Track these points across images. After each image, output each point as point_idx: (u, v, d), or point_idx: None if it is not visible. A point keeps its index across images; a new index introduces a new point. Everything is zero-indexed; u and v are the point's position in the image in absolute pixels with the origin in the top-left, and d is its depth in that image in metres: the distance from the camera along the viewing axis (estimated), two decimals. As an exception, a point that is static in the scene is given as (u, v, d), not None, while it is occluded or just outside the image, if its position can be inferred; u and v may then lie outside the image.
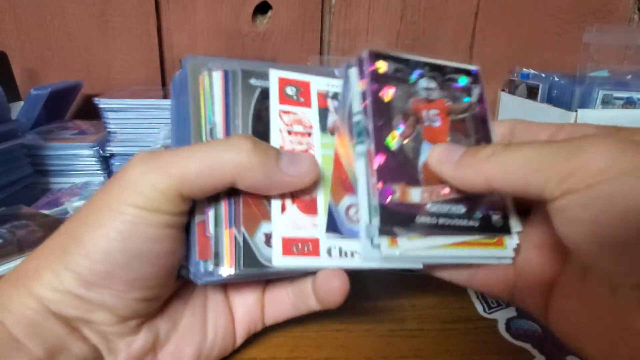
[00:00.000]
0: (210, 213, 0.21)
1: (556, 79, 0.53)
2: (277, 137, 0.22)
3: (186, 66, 0.22)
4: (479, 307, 0.30)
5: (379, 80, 0.23)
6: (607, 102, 0.49)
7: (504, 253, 0.23)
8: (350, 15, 0.71)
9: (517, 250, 0.23)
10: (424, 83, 0.24)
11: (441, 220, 0.22)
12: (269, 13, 0.70)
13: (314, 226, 0.22)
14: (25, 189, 0.44)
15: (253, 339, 0.27)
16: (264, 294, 0.26)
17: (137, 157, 0.20)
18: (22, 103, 0.53)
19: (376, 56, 0.24)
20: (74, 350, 0.19)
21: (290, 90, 0.23)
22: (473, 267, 0.24)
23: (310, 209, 0.22)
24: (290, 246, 0.21)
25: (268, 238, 0.21)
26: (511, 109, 0.60)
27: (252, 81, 0.23)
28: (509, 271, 0.24)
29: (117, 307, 0.20)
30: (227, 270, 0.20)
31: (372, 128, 0.22)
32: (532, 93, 0.56)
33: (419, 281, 0.34)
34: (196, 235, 0.21)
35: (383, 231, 0.21)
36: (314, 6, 0.70)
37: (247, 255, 0.21)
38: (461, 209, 0.22)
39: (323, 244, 0.22)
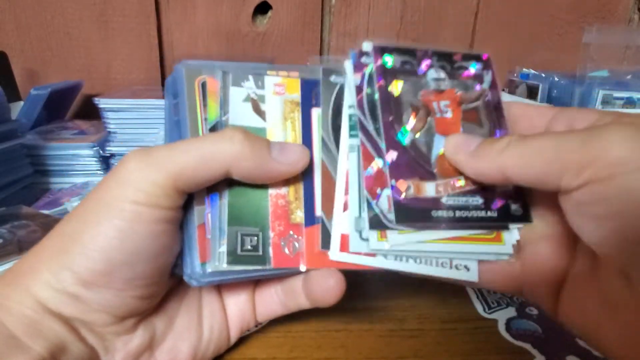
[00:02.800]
0: (214, 213, 0.21)
1: (556, 79, 0.53)
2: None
3: (181, 71, 0.22)
4: (479, 307, 0.30)
5: (386, 74, 0.23)
6: (607, 102, 0.49)
7: (502, 249, 0.23)
8: (350, 15, 0.71)
9: (516, 246, 0.23)
10: (433, 74, 0.24)
11: (458, 213, 0.22)
12: (269, 13, 0.70)
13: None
14: (25, 189, 0.44)
15: (253, 339, 0.27)
16: (254, 293, 0.26)
17: (131, 154, 0.20)
18: (22, 103, 0.53)
19: (382, 50, 0.23)
20: (73, 350, 0.19)
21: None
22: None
23: None
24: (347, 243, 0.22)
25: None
26: (511, 109, 0.60)
27: (332, 78, 0.24)
28: (515, 266, 0.23)
29: (115, 306, 0.20)
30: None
31: (382, 124, 0.22)
32: (532, 93, 0.56)
33: (418, 281, 0.34)
34: (196, 237, 0.21)
35: (373, 225, 0.21)
36: (314, 6, 0.70)
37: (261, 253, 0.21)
38: (478, 200, 0.22)
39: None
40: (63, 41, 0.67)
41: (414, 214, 0.21)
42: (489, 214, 0.22)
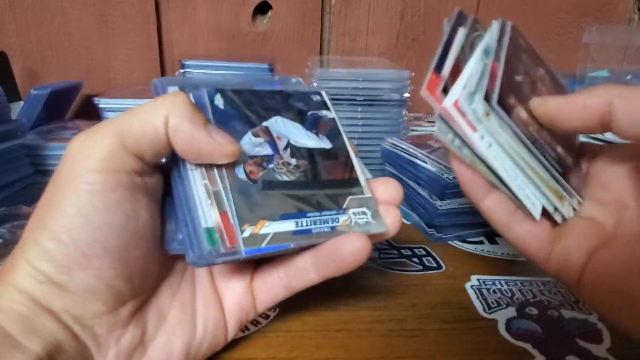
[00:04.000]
0: (232, 205, 0.22)
1: (556, 79, 0.53)
2: None
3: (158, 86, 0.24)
4: (479, 307, 0.30)
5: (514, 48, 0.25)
6: (607, 102, 0.49)
7: (561, 207, 0.24)
8: (350, 15, 0.71)
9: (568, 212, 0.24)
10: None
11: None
12: (269, 13, 0.70)
13: None
14: (25, 189, 0.44)
15: (253, 339, 0.27)
16: (252, 281, 0.26)
17: (77, 135, 0.20)
18: (22, 103, 0.53)
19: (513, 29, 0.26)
20: (67, 349, 0.19)
21: None
22: (519, 214, 0.24)
23: None
24: None
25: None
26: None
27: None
28: (552, 232, 0.24)
29: (100, 290, 0.20)
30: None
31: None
32: (532, 93, 0.56)
33: (419, 281, 0.34)
34: (221, 223, 0.21)
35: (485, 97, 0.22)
36: (314, 6, 0.70)
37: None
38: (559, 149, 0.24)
39: None
40: (63, 41, 0.67)
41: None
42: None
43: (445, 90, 0.22)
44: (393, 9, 0.72)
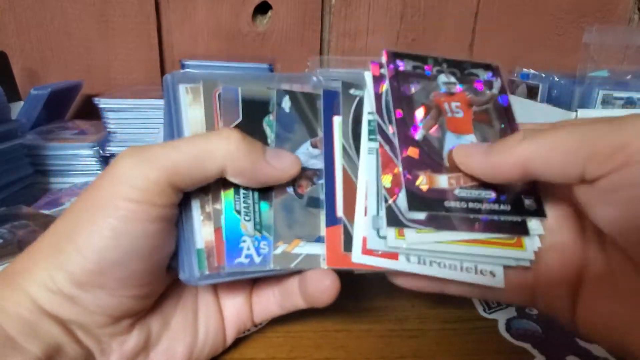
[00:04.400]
0: (223, 218, 0.21)
1: (556, 79, 0.53)
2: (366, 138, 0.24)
3: (171, 81, 0.23)
4: (479, 307, 0.30)
5: (399, 77, 0.24)
6: (607, 102, 0.49)
7: (523, 255, 0.22)
8: (350, 15, 0.71)
9: (537, 253, 0.22)
10: (443, 78, 0.25)
11: (471, 205, 0.22)
12: (269, 13, 0.70)
13: None
14: (25, 189, 0.44)
15: (253, 339, 0.27)
16: (251, 294, 0.26)
17: (126, 151, 0.20)
18: (22, 103, 0.53)
19: (395, 55, 0.25)
20: (69, 352, 0.19)
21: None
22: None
23: None
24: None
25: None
26: (511, 109, 0.60)
27: (352, 91, 0.25)
28: (528, 274, 0.23)
29: (111, 306, 0.20)
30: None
31: (394, 121, 0.23)
32: (532, 93, 0.56)
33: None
34: (195, 239, 0.21)
35: (391, 222, 0.21)
36: (314, 6, 0.70)
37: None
38: (491, 193, 0.22)
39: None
40: (63, 41, 0.67)
41: (427, 203, 0.21)
42: (502, 207, 0.22)
43: (347, 244, 0.22)
44: (393, 9, 0.71)
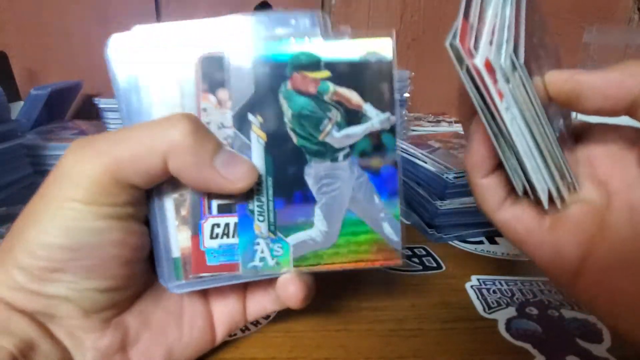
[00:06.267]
0: (206, 225, 0.21)
1: (556, 79, 0.53)
2: None
3: None
4: (479, 307, 0.30)
5: None
6: (607, 102, 0.49)
7: (563, 190, 0.22)
8: (350, 15, 0.71)
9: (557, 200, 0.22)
10: None
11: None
12: (269, 13, 0.70)
13: None
14: (25, 189, 0.44)
15: (253, 338, 0.27)
16: (245, 292, 0.25)
17: (71, 146, 0.19)
18: (22, 103, 0.53)
19: None
20: (44, 348, 0.19)
21: None
22: (509, 199, 0.22)
23: None
24: None
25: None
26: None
27: None
28: (542, 219, 0.22)
29: (75, 298, 0.19)
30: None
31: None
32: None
33: (419, 281, 0.34)
34: (165, 247, 0.21)
35: None
36: (314, 6, 0.70)
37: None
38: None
39: None
40: (63, 41, 0.67)
41: None
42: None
43: (476, 44, 0.19)
44: (393, 9, 0.72)
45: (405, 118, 0.50)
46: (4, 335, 0.18)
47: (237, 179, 0.20)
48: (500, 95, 0.19)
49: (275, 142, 0.21)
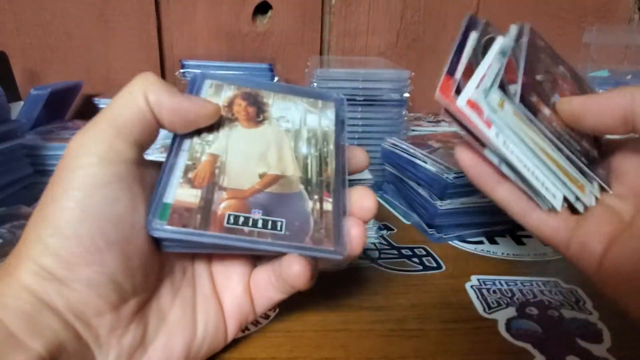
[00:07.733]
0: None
1: (556, 79, 0.53)
2: None
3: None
4: (479, 307, 0.30)
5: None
6: (607, 102, 0.49)
7: (582, 196, 0.25)
8: (350, 16, 0.71)
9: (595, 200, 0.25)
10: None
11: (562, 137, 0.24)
12: (269, 13, 0.70)
13: None
14: (25, 189, 0.44)
15: (253, 338, 0.27)
16: (250, 283, 0.25)
17: (72, 141, 0.21)
18: (22, 103, 0.53)
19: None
20: (70, 349, 0.19)
21: None
22: (532, 202, 0.25)
23: None
24: None
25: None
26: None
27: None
28: (569, 220, 0.25)
29: (103, 285, 0.20)
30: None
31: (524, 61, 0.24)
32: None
33: (419, 281, 0.34)
34: (187, 205, 0.22)
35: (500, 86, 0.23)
36: (314, 6, 0.70)
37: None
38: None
39: None
40: (63, 41, 0.67)
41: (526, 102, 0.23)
42: (583, 159, 0.25)
43: (458, 92, 0.23)
44: (393, 9, 0.71)
45: (405, 118, 0.50)
46: (34, 335, 0.18)
47: (206, 102, 0.24)
48: (489, 124, 0.22)
49: None
